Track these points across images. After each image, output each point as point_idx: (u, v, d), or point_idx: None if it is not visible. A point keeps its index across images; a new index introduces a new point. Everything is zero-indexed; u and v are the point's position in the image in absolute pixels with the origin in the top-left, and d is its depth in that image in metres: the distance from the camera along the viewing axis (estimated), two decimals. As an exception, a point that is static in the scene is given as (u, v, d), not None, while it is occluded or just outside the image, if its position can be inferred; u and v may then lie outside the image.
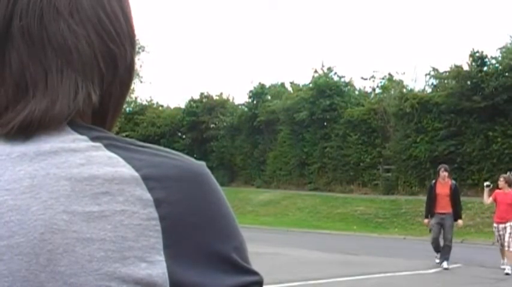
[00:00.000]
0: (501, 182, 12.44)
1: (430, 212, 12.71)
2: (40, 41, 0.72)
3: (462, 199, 21.93)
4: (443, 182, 12.55)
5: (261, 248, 12.78)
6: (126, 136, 0.81)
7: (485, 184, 12.96)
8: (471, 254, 14.46)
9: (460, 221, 12.78)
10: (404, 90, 28.37)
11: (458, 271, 11.96)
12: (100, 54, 0.74)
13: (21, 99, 0.71)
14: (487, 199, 12.60)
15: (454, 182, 12.89)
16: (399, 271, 11.25)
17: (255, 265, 0.75)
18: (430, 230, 13.01)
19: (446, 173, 12.62)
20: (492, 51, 37.83)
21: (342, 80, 30.85)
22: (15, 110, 0.71)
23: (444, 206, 12.42)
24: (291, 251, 14.57)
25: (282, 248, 14.87)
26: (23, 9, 0.72)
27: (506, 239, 11.98)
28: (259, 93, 32.88)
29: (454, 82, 25.75)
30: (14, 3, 0.72)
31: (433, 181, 12.94)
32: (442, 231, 12.55)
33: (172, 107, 36.85)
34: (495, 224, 12.40)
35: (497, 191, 12.51)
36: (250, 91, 33.17)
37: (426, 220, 13.03)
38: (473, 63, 25.24)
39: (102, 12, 0.75)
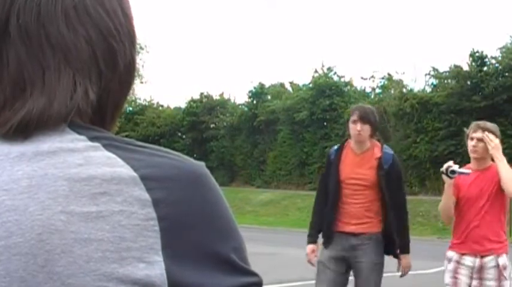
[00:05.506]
0: (475, 141, 4.53)
1: (323, 227, 4.76)
2: (38, 39, 0.72)
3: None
4: (361, 153, 4.72)
5: (260, 248, 12.78)
6: (126, 136, 0.81)
7: (447, 166, 4.46)
8: (471, 254, 14.42)
9: (404, 260, 4.84)
10: (404, 90, 28.37)
11: (458, 271, 11.93)
12: (99, 51, 0.74)
13: (19, 97, 0.71)
14: (451, 200, 4.54)
15: (390, 152, 4.78)
16: (399, 271, 11.26)
17: (255, 265, 0.75)
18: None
19: (368, 127, 4.63)
20: (492, 51, 37.86)
21: (342, 80, 30.88)
22: (13, 109, 0.70)
23: (358, 216, 4.64)
24: (291, 251, 14.57)
25: (282, 248, 14.87)
26: (20, 8, 0.72)
27: None
28: (259, 93, 32.90)
29: (454, 82, 25.77)
30: (11, 2, 0.72)
31: (334, 148, 4.88)
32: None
33: (172, 107, 36.87)
34: (452, 254, 4.60)
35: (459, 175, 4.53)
36: (250, 91, 33.19)
37: (311, 247, 4.81)
38: (473, 63, 25.25)
39: (101, 9, 0.75)
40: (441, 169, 4.53)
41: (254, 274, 0.74)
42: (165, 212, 0.68)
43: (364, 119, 4.65)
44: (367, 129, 4.65)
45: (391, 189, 4.64)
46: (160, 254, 0.67)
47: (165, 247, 0.67)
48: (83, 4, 0.74)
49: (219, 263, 0.70)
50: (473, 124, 4.69)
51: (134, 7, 0.81)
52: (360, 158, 4.72)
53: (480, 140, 4.51)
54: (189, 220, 0.70)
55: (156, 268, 0.67)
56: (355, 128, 4.65)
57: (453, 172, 4.47)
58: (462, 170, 4.53)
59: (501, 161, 4.41)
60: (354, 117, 4.68)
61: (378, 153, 4.70)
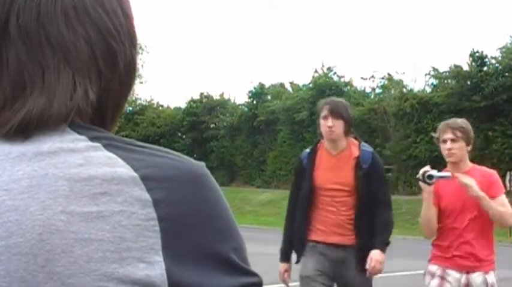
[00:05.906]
0: (449, 143, 4.01)
1: (302, 238, 4.21)
2: (38, 39, 0.72)
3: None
4: (337, 153, 4.15)
5: (261, 248, 12.76)
6: (126, 136, 0.81)
7: (423, 172, 3.98)
8: (471, 254, 14.39)
9: (376, 254, 4.00)
10: (404, 90, 28.41)
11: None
12: (98, 51, 0.74)
13: (19, 97, 0.71)
14: (432, 211, 4.08)
15: (369, 149, 4.19)
16: (399, 271, 11.21)
17: (255, 265, 0.75)
18: None
19: (340, 122, 4.08)
20: (492, 51, 37.92)
21: (342, 80, 30.90)
22: (14, 109, 0.70)
23: (341, 225, 4.10)
24: (291, 251, 14.56)
25: (282, 248, 14.86)
26: (20, 8, 0.72)
27: None
28: (259, 93, 32.93)
29: (454, 82, 25.80)
30: (11, 2, 0.72)
31: (307, 151, 4.27)
32: None
33: (172, 107, 36.89)
34: (435, 268, 4.21)
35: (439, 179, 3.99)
36: (250, 91, 33.22)
37: (284, 266, 4.41)
38: (473, 63, 25.29)
39: (100, 9, 0.75)
40: (417, 176, 4.05)
41: (254, 274, 0.73)
42: (165, 212, 0.68)
43: (335, 113, 4.08)
44: (339, 125, 4.07)
45: (372, 190, 4.07)
46: (161, 254, 0.67)
47: (165, 247, 0.67)
48: (83, 4, 0.74)
49: (219, 263, 0.70)
50: (442, 125, 4.11)
51: (134, 7, 0.81)
52: (336, 160, 4.15)
53: (454, 140, 3.98)
54: (189, 220, 0.70)
55: (157, 268, 0.67)
56: (326, 124, 4.08)
57: (431, 177, 3.94)
58: (441, 173, 4.00)
59: (482, 198, 3.89)
60: (324, 112, 4.11)
61: (355, 152, 4.12)
